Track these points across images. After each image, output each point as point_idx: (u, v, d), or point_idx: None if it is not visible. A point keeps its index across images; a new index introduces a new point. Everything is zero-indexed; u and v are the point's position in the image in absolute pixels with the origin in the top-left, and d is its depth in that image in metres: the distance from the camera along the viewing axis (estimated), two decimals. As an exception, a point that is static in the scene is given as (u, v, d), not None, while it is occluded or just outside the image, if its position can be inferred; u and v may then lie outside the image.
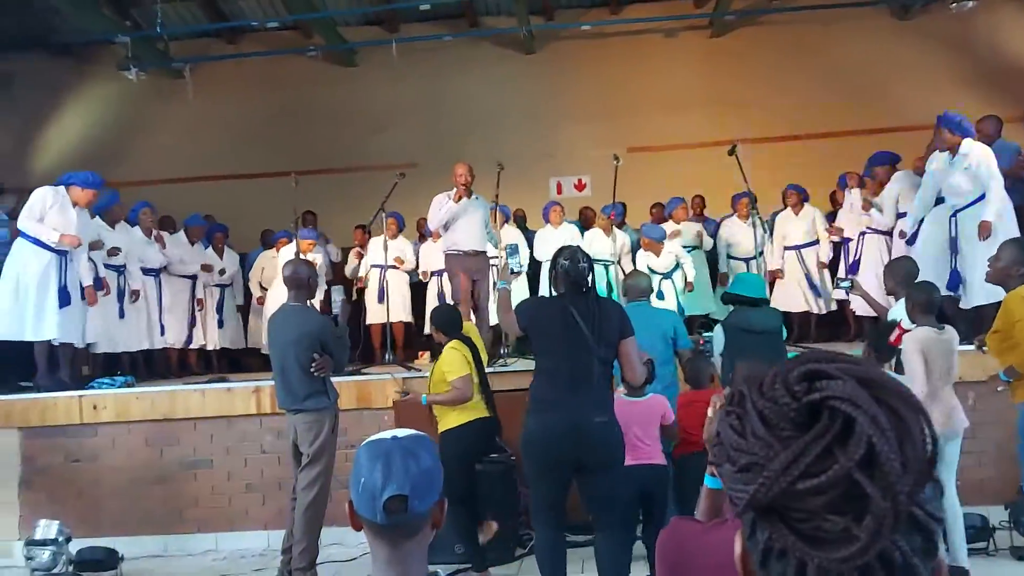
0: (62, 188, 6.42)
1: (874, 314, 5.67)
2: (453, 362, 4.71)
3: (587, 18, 11.48)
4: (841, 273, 7.60)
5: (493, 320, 7.27)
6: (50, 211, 6.28)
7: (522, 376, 6.01)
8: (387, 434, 1.57)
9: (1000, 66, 9.92)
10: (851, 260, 7.57)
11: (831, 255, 8.18)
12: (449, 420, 4.74)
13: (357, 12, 11.30)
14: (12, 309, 6.15)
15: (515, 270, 4.56)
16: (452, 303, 6.23)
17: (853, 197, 7.60)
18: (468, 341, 4.87)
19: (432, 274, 8.49)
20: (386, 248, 7.85)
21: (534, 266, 8.36)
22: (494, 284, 7.25)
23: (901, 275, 4.76)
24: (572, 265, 3.80)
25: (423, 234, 8.88)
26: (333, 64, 11.62)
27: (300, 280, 4.82)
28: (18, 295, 6.17)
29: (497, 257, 7.20)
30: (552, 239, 8.11)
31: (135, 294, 7.39)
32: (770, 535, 0.68)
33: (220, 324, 8.73)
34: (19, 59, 11.19)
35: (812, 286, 8.18)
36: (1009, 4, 10.38)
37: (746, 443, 0.69)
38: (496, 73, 11.29)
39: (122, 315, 7.25)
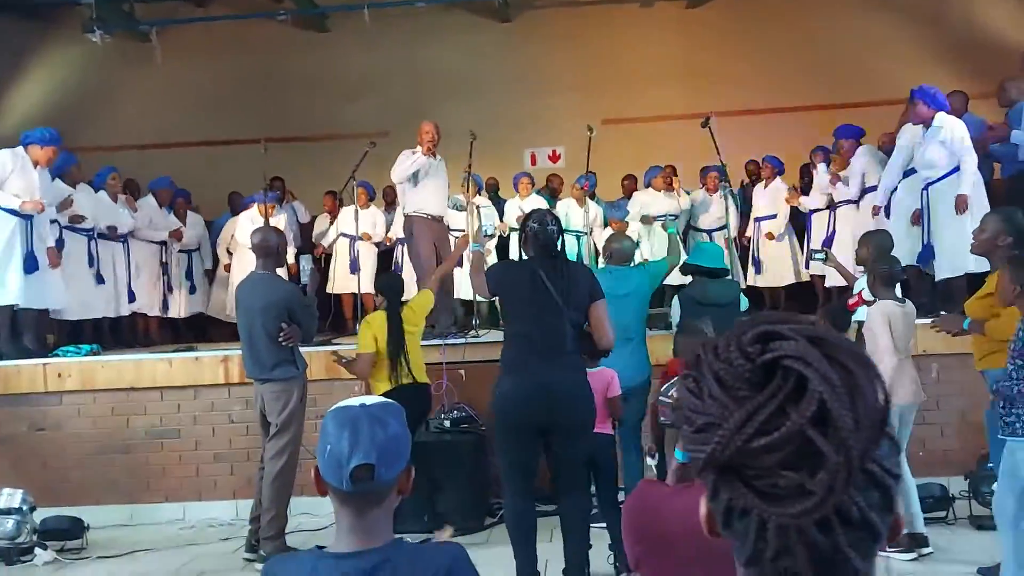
0: (20, 150, 6.27)
1: (845, 284, 5.72)
2: (360, 338, 4.94)
3: (562, -14, 11.36)
4: (815, 245, 7.64)
5: (460, 290, 7.25)
6: (11, 176, 6.14)
7: (493, 347, 6.01)
8: (355, 401, 1.56)
9: (972, 41, 9.95)
10: (826, 233, 7.58)
11: (782, 230, 8.24)
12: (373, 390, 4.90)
13: (329, -24, 11.07)
14: None
15: (488, 232, 4.57)
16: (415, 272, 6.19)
17: (819, 172, 7.66)
18: (393, 313, 4.90)
19: (397, 242, 8.40)
20: (357, 218, 7.78)
21: (502, 237, 8.33)
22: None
23: (874, 247, 4.80)
24: (541, 228, 3.79)
25: (392, 203, 8.79)
26: (304, 29, 11.41)
27: (269, 248, 4.77)
28: None
29: (458, 231, 7.19)
30: (520, 210, 8.09)
31: (112, 229, 7.32)
32: (730, 495, 0.70)
33: (192, 290, 8.67)
34: (-19, 20, 10.87)
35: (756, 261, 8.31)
36: (982, -21, 10.43)
37: (703, 404, 0.71)
38: (470, 41, 11.15)
39: (101, 281, 7.21)
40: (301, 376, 4.81)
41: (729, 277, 5.31)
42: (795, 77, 10.32)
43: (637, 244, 8.00)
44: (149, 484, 6.00)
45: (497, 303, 4.77)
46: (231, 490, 5.94)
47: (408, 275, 6.80)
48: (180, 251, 8.56)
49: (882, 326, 4.27)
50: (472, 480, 5.38)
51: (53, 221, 6.57)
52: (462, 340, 6.22)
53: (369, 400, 1.56)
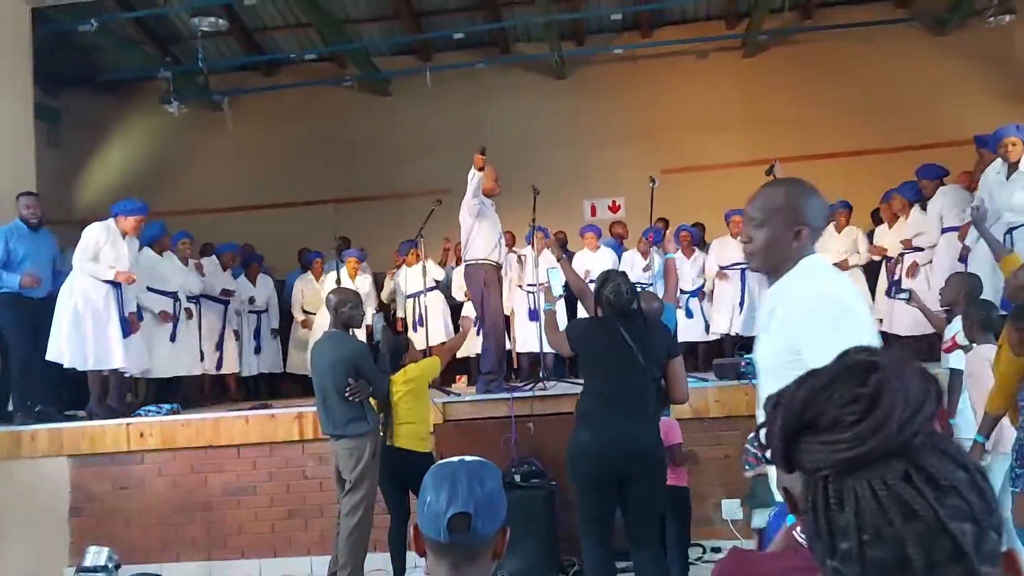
0: (111, 221, 6.61)
1: (922, 332, 5.55)
2: None
3: (618, 42, 11.52)
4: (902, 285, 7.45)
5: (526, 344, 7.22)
6: (104, 247, 6.47)
7: (560, 400, 6.01)
8: (455, 458, 1.61)
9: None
10: (896, 277, 7.42)
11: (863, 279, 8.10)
12: None
13: (391, 42, 11.47)
14: (74, 339, 6.31)
15: (558, 294, 4.65)
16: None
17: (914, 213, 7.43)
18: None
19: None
20: (425, 273, 7.91)
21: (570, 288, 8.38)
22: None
23: (963, 290, 4.67)
24: (616, 297, 3.87)
25: (457, 258, 8.92)
26: (368, 94, 11.80)
27: (334, 308, 4.89)
28: (78, 325, 6.33)
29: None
30: (588, 262, 8.16)
31: (187, 312, 7.69)
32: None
33: (257, 350, 8.90)
34: (66, 96, 11.53)
35: None
36: (1047, 17, 10.26)
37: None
38: (528, 99, 11.38)
39: (173, 339, 7.51)
40: (373, 432, 4.87)
41: None
42: (859, 120, 10.26)
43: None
44: (226, 541, 6.08)
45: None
46: (305, 546, 5.99)
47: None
48: (250, 312, 8.83)
49: (985, 371, 4.12)
50: (543, 535, 5.32)
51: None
52: (530, 393, 6.23)
53: (468, 457, 1.62)
